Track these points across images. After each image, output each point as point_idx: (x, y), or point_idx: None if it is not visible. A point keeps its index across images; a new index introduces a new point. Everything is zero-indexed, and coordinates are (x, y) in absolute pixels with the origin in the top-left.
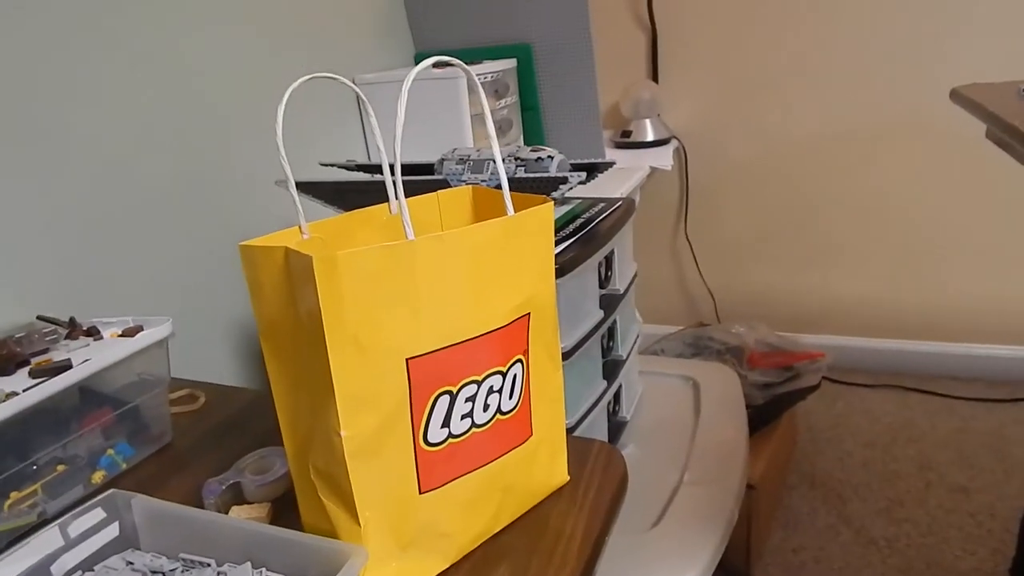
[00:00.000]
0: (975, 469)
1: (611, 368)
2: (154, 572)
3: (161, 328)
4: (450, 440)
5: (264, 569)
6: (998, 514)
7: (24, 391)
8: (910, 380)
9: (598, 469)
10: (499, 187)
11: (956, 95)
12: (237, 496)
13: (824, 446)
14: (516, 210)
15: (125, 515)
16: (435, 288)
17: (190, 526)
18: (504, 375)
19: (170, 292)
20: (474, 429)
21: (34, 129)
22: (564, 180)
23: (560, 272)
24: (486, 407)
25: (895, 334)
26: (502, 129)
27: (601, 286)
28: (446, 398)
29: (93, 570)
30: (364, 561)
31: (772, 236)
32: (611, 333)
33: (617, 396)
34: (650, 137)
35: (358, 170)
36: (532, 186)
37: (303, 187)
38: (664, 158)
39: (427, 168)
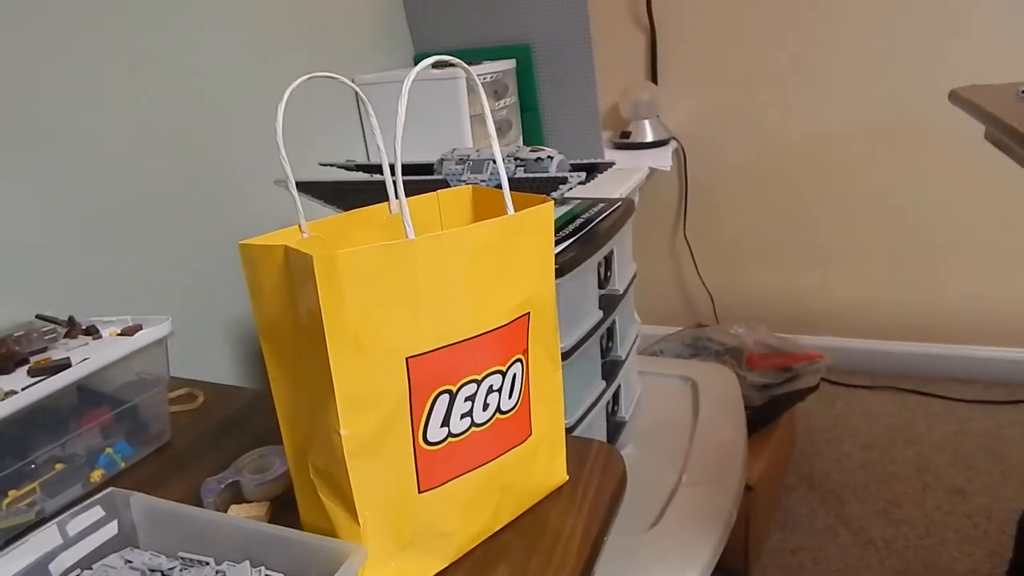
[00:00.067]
0: (973, 471)
1: (610, 368)
2: (153, 571)
3: (160, 327)
4: (450, 439)
5: (263, 568)
6: (995, 516)
7: (23, 390)
8: (908, 382)
9: (597, 469)
10: (499, 187)
11: (955, 97)
12: (236, 495)
13: (823, 447)
14: (516, 210)
15: (124, 513)
16: (435, 287)
17: (189, 525)
18: (504, 374)
19: (169, 291)
20: (474, 428)
21: (34, 129)
22: (564, 180)
23: (559, 272)
24: (486, 406)
25: (894, 336)
26: (501, 130)
27: (600, 286)
28: (446, 397)
29: (92, 568)
30: (363, 560)
31: (771, 237)
32: (610, 333)
33: (616, 396)
34: (649, 138)
35: (357, 170)
36: (532, 186)
37: (302, 187)
38: (663, 159)
39: (427, 168)
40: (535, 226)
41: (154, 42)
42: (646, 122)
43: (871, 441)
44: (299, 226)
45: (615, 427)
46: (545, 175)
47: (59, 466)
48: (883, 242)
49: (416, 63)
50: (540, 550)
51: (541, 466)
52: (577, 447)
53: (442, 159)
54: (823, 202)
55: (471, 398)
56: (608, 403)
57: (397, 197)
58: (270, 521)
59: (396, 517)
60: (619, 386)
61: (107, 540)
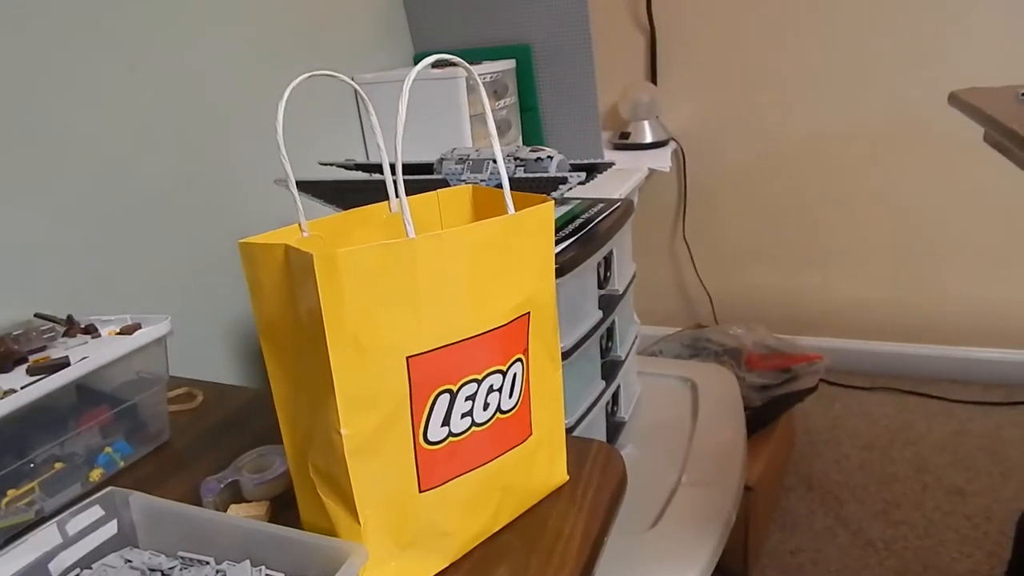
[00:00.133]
0: (972, 472)
1: (610, 368)
2: (152, 570)
3: (159, 326)
4: (450, 439)
5: (263, 567)
6: (994, 517)
7: (22, 388)
8: (908, 383)
9: (597, 469)
10: (498, 186)
11: (955, 99)
12: (235, 494)
13: (822, 448)
14: (516, 209)
15: (123, 513)
16: (435, 286)
17: (189, 524)
18: (504, 374)
19: (168, 291)
20: (474, 428)
21: (34, 129)
22: (564, 180)
23: (559, 272)
24: (486, 406)
25: (893, 337)
26: (501, 130)
27: (600, 286)
28: (446, 397)
29: (91, 568)
30: (364, 560)
31: (770, 238)
32: (610, 333)
33: (615, 397)
34: (648, 139)
35: (357, 169)
36: (531, 186)
37: (302, 186)
38: (663, 160)
39: (426, 167)
40: (535, 226)
41: (154, 42)
42: (645, 123)
43: (870, 442)
44: (299, 225)
45: (614, 427)
46: (545, 175)
47: (58, 465)
48: (883, 243)
49: (416, 63)
50: (540, 550)
51: (541, 466)
52: (577, 447)
53: (442, 158)
54: (822, 203)
55: (471, 398)
56: (608, 403)
57: (397, 196)
58: (270, 520)
59: (397, 517)
60: (618, 386)
61: (106, 539)
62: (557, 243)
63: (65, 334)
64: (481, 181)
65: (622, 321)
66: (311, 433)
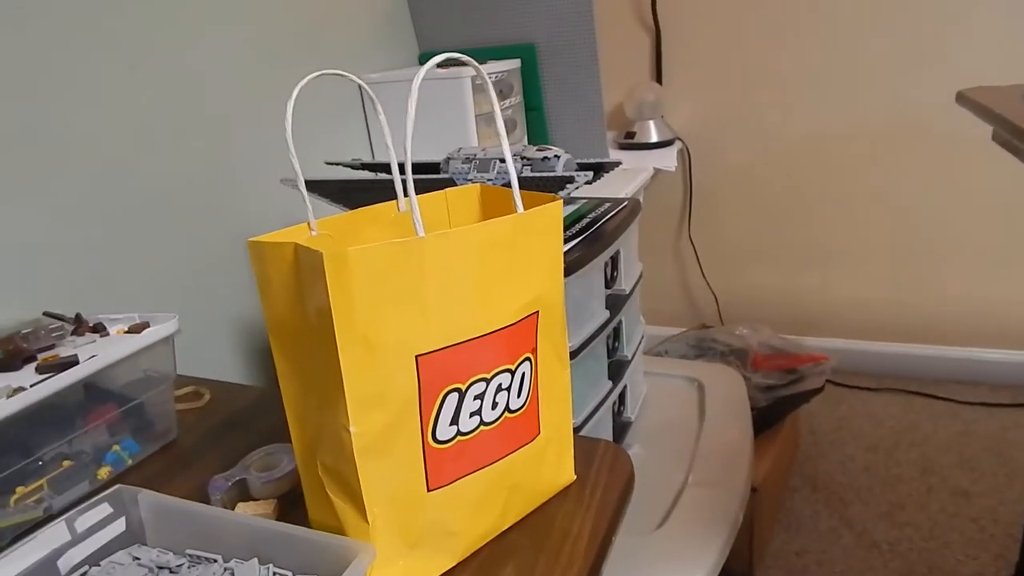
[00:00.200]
0: (977, 473)
1: (616, 368)
2: (160, 568)
3: (167, 325)
4: (458, 438)
5: (271, 566)
6: (1000, 519)
7: (31, 386)
8: (913, 384)
9: (604, 469)
10: (506, 185)
11: (963, 98)
12: (243, 493)
13: (827, 449)
14: (525, 208)
15: (132, 510)
16: (444, 285)
17: (197, 522)
18: (513, 373)
19: (172, 290)
20: (482, 427)
21: (35, 129)
22: (571, 179)
23: (566, 272)
24: (495, 405)
25: (898, 338)
26: (506, 129)
27: (607, 286)
28: (455, 396)
29: (99, 565)
30: (372, 559)
31: (776, 238)
32: (616, 333)
33: (622, 396)
34: (654, 138)
35: (363, 169)
36: (538, 185)
37: (309, 185)
38: (668, 159)
39: (432, 167)
40: (544, 225)
41: (154, 42)
42: (651, 122)
43: (875, 443)
44: (308, 223)
45: (621, 427)
46: (552, 174)
47: (66, 463)
48: (888, 243)
49: (421, 63)
50: (548, 550)
51: (549, 465)
52: (584, 447)
53: (448, 158)
54: (828, 203)
55: (480, 397)
56: (614, 403)
57: (406, 195)
58: (277, 519)
59: (405, 515)
60: (625, 386)
61: (115, 537)
62: (564, 242)
63: (74, 332)
64: (488, 180)
65: (629, 321)
66: (320, 431)
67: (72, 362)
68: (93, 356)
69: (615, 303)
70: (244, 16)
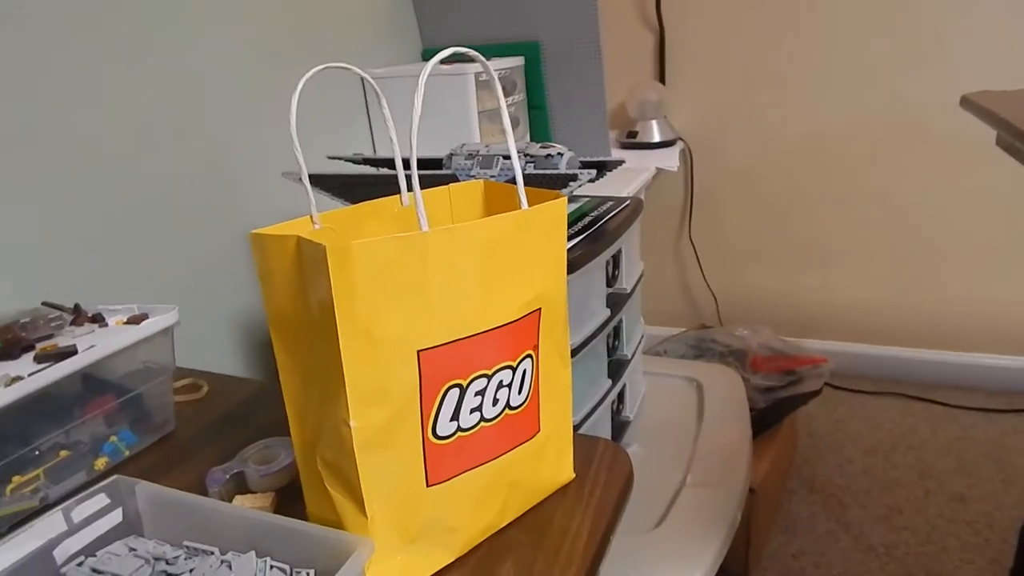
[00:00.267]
0: (975, 478)
1: (616, 367)
2: (157, 559)
3: (167, 316)
4: (459, 434)
5: (268, 559)
6: (997, 524)
7: (29, 376)
8: (912, 388)
9: (604, 467)
10: (510, 182)
11: (967, 102)
12: (240, 485)
13: (824, 451)
14: (529, 205)
15: (129, 501)
16: (447, 280)
17: (194, 514)
18: (514, 370)
19: (173, 287)
20: (483, 423)
21: (38, 128)
22: (574, 177)
23: (568, 269)
24: (495, 401)
25: (897, 341)
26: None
27: (608, 284)
28: (456, 391)
29: (96, 556)
30: (370, 553)
31: (776, 240)
32: (617, 332)
33: (621, 395)
34: (656, 138)
35: (365, 164)
36: (541, 182)
37: (312, 179)
38: (670, 159)
39: (435, 163)
40: (548, 222)
41: (157, 35)
42: (653, 122)
43: (873, 446)
44: (311, 217)
45: (620, 426)
46: (555, 172)
47: (63, 453)
48: (888, 247)
49: (424, 59)
50: (546, 547)
51: (548, 463)
52: (584, 445)
53: (451, 154)
54: (828, 204)
55: (481, 393)
56: (613, 402)
57: (410, 190)
58: (275, 512)
59: (404, 511)
60: (624, 385)
61: (112, 528)
62: (567, 240)
63: (72, 323)
64: (491, 177)
65: (629, 320)
66: (320, 425)
67: (70, 352)
68: (92, 346)
69: (616, 302)
70: (245, 14)
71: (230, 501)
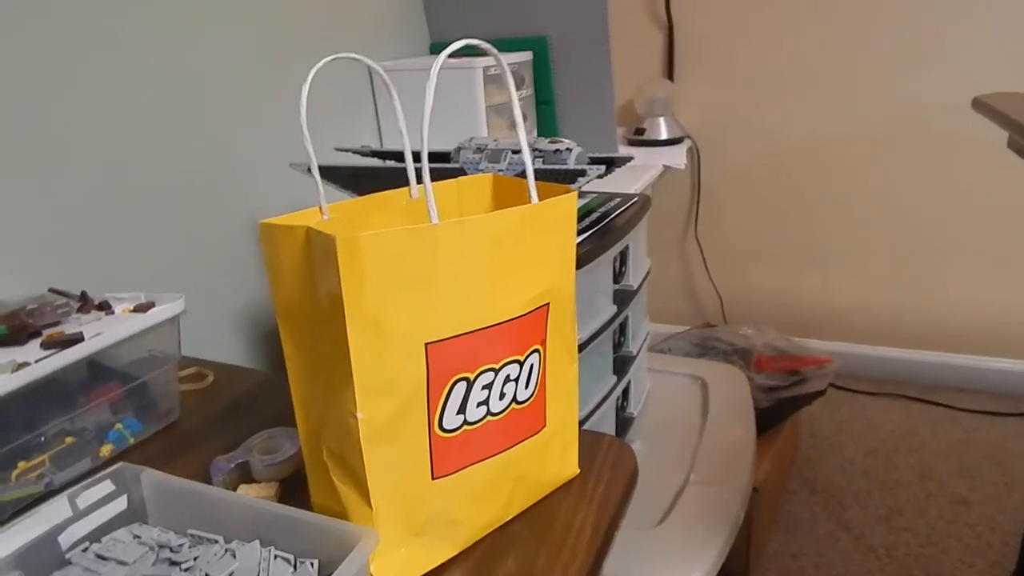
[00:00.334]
0: (976, 481)
1: (621, 364)
2: (162, 547)
3: (173, 305)
4: (465, 427)
5: (272, 548)
6: (998, 527)
7: (36, 362)
8: (914, 389)
9: (608, 464)
10: (519, 175)
11: (978, 104)
12: (245, 475)
13: (826, 452)
14: (539, 199)
15: (134, 489)
16: (456, 273)
17: (199, 502)
18: (521, 365)
19: (177, 275)
20: (489, 417)
21: (40, 129)
22: (583, 173)
23: (575, 265)
24: (502, 396)
25: (900, 343)
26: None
27: (615, 281)
28: (463, 385)
29: (100, 542)
30: (375, 545)
31: (781, 239)
32: (623, 328)
33: (626, 392)
34: (664, 135)
35: (373, 156)
36: (550, 177)
37: (320, 171)
38: (678, 157)
39: (443, 156)
40: (558, 216)
41: (162, 26)
42: (661, 119)
43: (875, 447)
44: (320, 207)
45: (624, 423)
46: (564, 167)
47: (68, 440)
48: (892, 248)
49: (432, 53)
50: (550, 542)
51: (554, 458)
52: (589, 441)
53: (459, 147)
54: (836, 207)
55: (488, 387)
56: (618, 398)
57: (420, 183)
58: (278, 502)
59: (409, 503)
60: (629, 382)
61: (116, 515)
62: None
63: (79, 310)
64: (499, 171)
65: (635, 317)
66: (326, 416)
67: (77, 339)
68: (98, 334)
69: (623, 298)
70: (250, 4)
71: (234, 490)
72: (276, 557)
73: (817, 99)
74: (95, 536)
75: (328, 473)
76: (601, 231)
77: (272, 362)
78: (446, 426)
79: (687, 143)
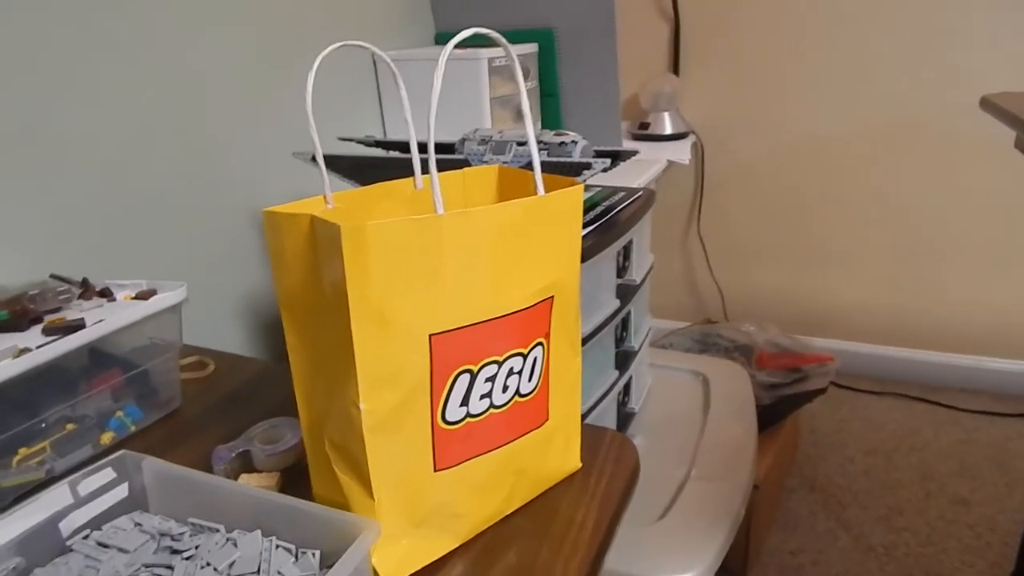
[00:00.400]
0: (977, 481)
1: (623, 358)
2: (163, 535)
3: (175, 293)
4: (468, 419)
5: (274, 538)
6: (998, 528)
7: (37, 348)
8: (915, 389)
9: (610, 458)
10: (526, 168)
11: (986, 103)
12: (246, 464)
13: (826, 450)
14: (545, 192)
15: (135, 476)
16: (461, 265)
17: (200, 491)
18: (525, 357)
19: (177, 265)
20: (492, 410)
21: (38, 131)
22: (588, 166)
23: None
24: (505, 388)
25: (902, 342)
26: (520, 115)
27: (618, 275)
28: (466, 377)
29: (101, 529)
30: (376, 536)
31: (784, 237)
32: (625, 323)
33: (627, 387)
34: (668, 130)
35: (376, 146)
36: (554, 170)
37: (324, 160)
38: (682, 152)
39: (447, 147)
40: (564, 209)
41: (167, 17)
42: (666, 114)
43: (875, 447)
44: (324, 196)
45: (625, 418)
46: (569, 160)
47: (69, 426)
48: (897, 247)
49: (437, 43)
50: (551, 536)
51: (556, 452)
52: (591, 435)
53: (464, 139)
54: (840, 205)
55: (491, 379)
56: (619, 393)
57: (426, 173)
58: (280, 492)
59: (411, 495)
60: (631, 377)
61: (117, 502)
62: None
63: (80, 296)
64: (504, 163)
65: (637, 312)
66: (329, 406)
67: (79, 325)
68: (100, 321)
69: (625, 293)
70: None
71: (235, 479)
72: (277, 547)
73: (821, 98)
74: (96, 524)
75: (330, 464)
76: (605, 225)
77: (273, 352)
78: (449, 418)
79: (691, 138)
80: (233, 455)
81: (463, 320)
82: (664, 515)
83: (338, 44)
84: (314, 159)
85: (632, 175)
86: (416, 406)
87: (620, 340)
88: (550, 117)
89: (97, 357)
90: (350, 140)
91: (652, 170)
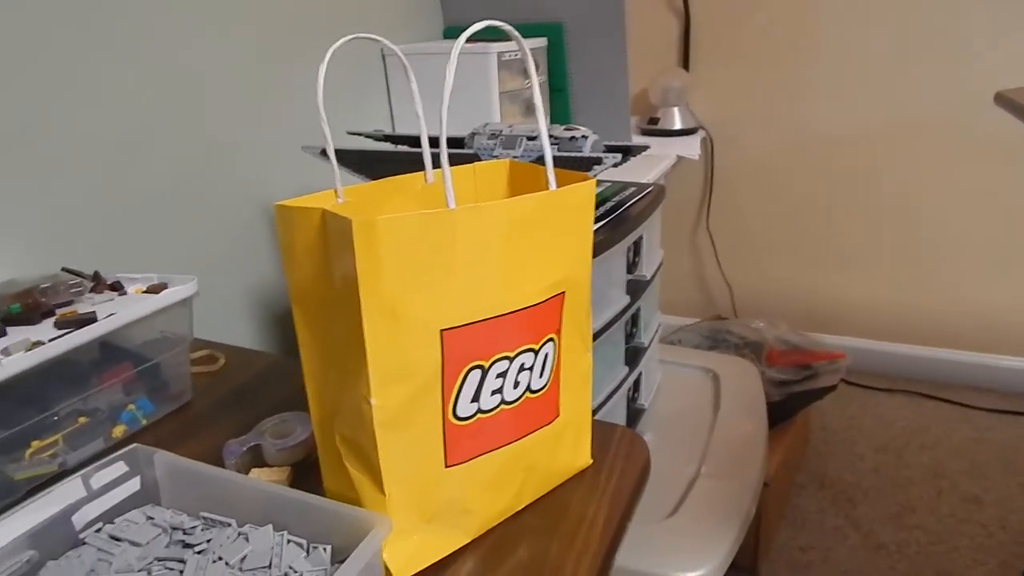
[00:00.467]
0: (988, 480)
1: (633, 354)
2: (175, 528)
3: (186, 286)
4: (479, 415)
5: (285, 532)
6: (1010, 526)
7: (49, 341)
8: (926, 387)
9: (621, 455)
10: (537, 162)
11: (1001, 99)
12: (257, 459)
13: (836, 448)
14: (557, 186)
15: (147, 470)
16: (473, 260)
17: (211, 485)
18: (536, 353)
19: (188, 259)
20: (503, 406)
21: (34, 128)
22: (598, 161)
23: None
24: (516, 384)
25: (913, 340)
26: (529, 109)
27: (628, 271)
28: (477, 372)
29: (113, 523)
30: (387, 531)
31: (794, 233)
32: (635, 319)
33: (637, 383)
34: (678, 125)
35: (385, 141)
36: (565, 165)
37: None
38: (691, 147)
39: (457, 142)
40: (576, 204)
41: (174, 9)
42: (675, 109)
43: (886, 444)
44: (335, 190)
45: (635, 414)
46: (579, 154)
47: (82, 420)
48: (906, 245)
49: (445, 38)
50: (562, 533)
51: (566, 448)
52: (601, 432)
53: (473, 133)
54: (848, 202)
55: (503, 375)
56: (629, 389)
57: (437, 167)
58: (290, 486)
59: (421, 490)
60: (640, 373)
61: (129, 496)
62: None
63: (92, 290)
64: (514, 157)
65: (647, 308)
66: (339, 401)
67: (90, 319)
68: (111, 314)
69: (636, 289)
70: None
71: (246, 474)
72: (289, 542)
73: (832, 94)
74: (108, 517)
75: (341, 459)
76: (615, 220)
77: (283, 346)
78: (460, 414)
79: (701, 134)
80: (244, 449)
81: (475, 315)
82: (674, 512)
83: (350, 36)
84: (324, 153)
85: (642, 170)
86: (427, 401)
87: (630, 336)
88: (559, 112)
89: (108, 351)
90: (359, 134)
91: (662, 165)
